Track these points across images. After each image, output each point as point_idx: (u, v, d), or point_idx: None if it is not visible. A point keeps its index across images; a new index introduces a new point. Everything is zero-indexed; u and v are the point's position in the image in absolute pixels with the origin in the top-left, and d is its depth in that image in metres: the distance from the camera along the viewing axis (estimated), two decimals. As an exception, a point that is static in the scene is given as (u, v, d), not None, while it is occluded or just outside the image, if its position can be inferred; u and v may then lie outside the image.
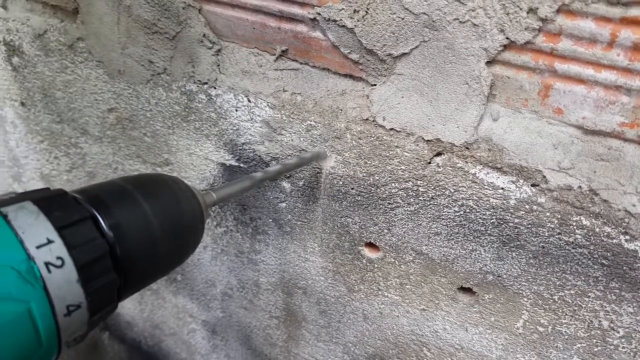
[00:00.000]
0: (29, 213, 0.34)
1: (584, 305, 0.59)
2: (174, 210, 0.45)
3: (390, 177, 0.65)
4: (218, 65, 0.71)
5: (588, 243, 0.56)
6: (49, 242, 0.33)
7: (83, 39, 0.83)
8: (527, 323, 0.65)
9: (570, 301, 0.60)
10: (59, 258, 0.33)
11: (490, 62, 0.52)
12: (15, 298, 0.31)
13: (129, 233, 0.40)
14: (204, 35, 0.69)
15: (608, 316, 0.58)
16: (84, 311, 0.35)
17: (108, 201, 0.40)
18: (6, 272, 0.31)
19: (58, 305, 0.33)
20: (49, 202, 0.36)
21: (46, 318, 0.32)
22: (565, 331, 0.62)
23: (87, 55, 0.85)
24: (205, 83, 0.74)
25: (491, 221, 0.60)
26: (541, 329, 0.64)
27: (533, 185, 0.56)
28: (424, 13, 0.52)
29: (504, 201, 0.59)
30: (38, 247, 0.33)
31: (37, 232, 0.33)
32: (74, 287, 0.34)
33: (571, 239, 0.56)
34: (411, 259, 0.70)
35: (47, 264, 0.33)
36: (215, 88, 0.73)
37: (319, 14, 0.58)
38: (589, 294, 0.58)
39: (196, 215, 0.47)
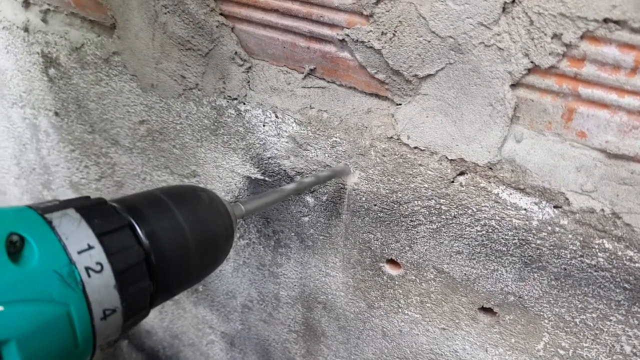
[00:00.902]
0: (72, 220, 0.36)
1: (605, 329, 0.59)
2: (206, 222, 0.46)
3: (413, 194, 0.66)
4: (248, 82, 0.73)
5: (610, 266, 0.56)
6: (90, 247, 0.35)
7: (118, 53, 0.87)
8: (547, 345, 0.65)
9: (591, 324, 0.60)
10: (98, 263, 0.35)
11: (514, 85, 0.53)
12: (57, 300, 0.32)
13: (164, 242, 0.41)
14: (236, 53, 0.71)
15: (630, 341, 0.58)
16: (119, 316, 0.37)
17: (145, 211, 0.41)
18: (50, 276, 0.32)
19: (95, 309, 0.34)
20: (90, 210, 0.38)
21: (84, 321, 0.34)
22: (586, 355, 0.62)
23: (121, 69, 0.88)
24: (235, 99, 0.76)
25: (513, 242, 0.61)
26: (562, 352, 0.64)
27: (556, 207, 0.57)
28: (450, 36, 0.54)
29: (527, 222, 0.59)
30: (79, 253, 0.34)
31: (79, 238, 0.35)
32: (110, 292, 0.36)
33: (593, 262, 0.57)
34: (432, 277, 0.70)
35: (87, 269, 0.34)
36: (244, 104, 0.75)
37: (347, 35, 0.60)
38: (611, 318, 0.58)
39: (226, 227, 0.49)
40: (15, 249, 0.32)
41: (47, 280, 0.32)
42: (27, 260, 0.32)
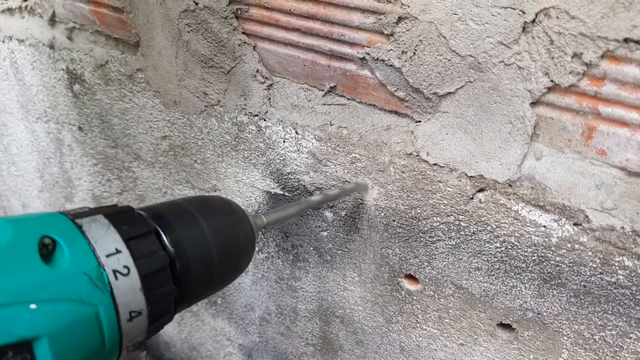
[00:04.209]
0: (101, 225, 0.37)
1: (625, 347, 0.59)
2: (229, 231, 0.47)
3: (432, 210, 0.67)
4: (269, 99, 0.75)
5: (630, 284, 0.56)
6: (117, 252, 0.37)
7: (142, 70, 0.89)
8: (567, 362, 0.64)
9: (611, 342, 0.60)
10: (125, 267, 0.36)
11: (534, 103, 0.54)
12: (86, 301, 0.34)
13: (188, 249, 0.43)
14: (257, 70, 0.73)
15: (651, 359, 0.58)
16: (144, 318, 0.38)
17: (170, 219, 0.43)
18: (80, 277, 0.34)
19: (122, 311, 0.36)
20: (118, 216, 0.39)
21: (111, 321, 0.35)
22: (606, 372, 0.62)
23: (145, 85, 0.90)
24: (256, 115, 0.77)
25: (532, 258, 0.61)
26: (581, 369, 0.63)
27: (575, 224, 0.57)
28: (470, 55, 0.55)
29: (546, 239, 0.59)
30: (108, 256, 0.36)
31: (107, 242, 0.37)
32: (137, 295, 0.37)
33: (613, 279, 0.57)
34: (451, 292, 0.71)
35: (114, 272, 0.36)
36: (265, 120, 0.77)
37: (368, 53, 0.61)
38: (631, 335, 0.58)
39: (248, 237, 0.50)
40: (48, 251, 0.34)
41: (77, 281, 0.34)
42: (58, 262, 0.34)
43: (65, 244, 0.34)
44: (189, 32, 0.76)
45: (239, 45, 0.72)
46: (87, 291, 0.34)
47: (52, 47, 1.04)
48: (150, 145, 0.97)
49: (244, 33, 0.72)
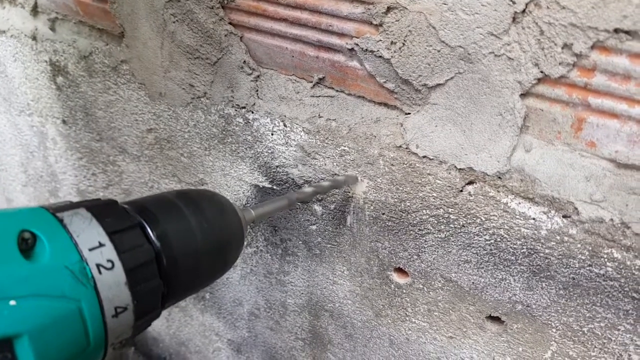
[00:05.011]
0: (83, 218, 0.36)
1: (613, 339, 0.59)
2: (217, 225, 0.47)
3: (421, 203, 0.66)
4: (256, 91, 0.74)
5: (619, 276, 0.56)
6: (101, 245, 0.36)
7: (127, 62, 0.87)
8: (555, 355, 0.64)
9: (599, 334, 0.60)
10: (109, 261, 0.36)
11: (524, 95, 0.54)
12: (68, 296, 0.33)
13: (175, 243, 0.42)
14: (244, 61, 0.72)
15: (638, 350, 0.58)
16: (130, 314, 0.37)
17: (155, 212, 0.42)
18: (61, 272, 0.33)
19: (107, 306, 0.35)
20: (101, 209, 0.38)
21: (95, 317, 0.34)
22: (595, 364, 0.62)
23: (129, 77, 0.89)
24: (244, 107, 0.76)
25: (522, 251, 0.61)
26: (570, 361, 0.64)
27: (564, 216, 0.57)
28: (460, 46, 0.54)
29: (535, 231, 0.59)
30: (90, 250, 0.35)
31: (90, 235, 0.36)
32: (122, 289, 0.36)
33: (602, 271, 0.57)
34: (440, 285, 0.70)
35: (98, 266, 0.35)
36: (252, 112, 0.76)
37: (356, 44, 0.61)
38: (619, 327, 0.58)
39: (237, 230, 0.49)
40: (27, 245, 0.33)
41: (58, 276, 0.33)
42: (38, 257, 0.33)
43: (46, 238, 0.33)
44: (174, 22, 0.75)
45: (225, 35, 0.71)
46: (70, 286, 0.33)
47: (34, 38, 1.02)
48: (136, 139, 0.96)
49: (230, 23, 0.70)
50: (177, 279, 0.42)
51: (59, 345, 0.32)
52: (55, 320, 0.32)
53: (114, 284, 0.36)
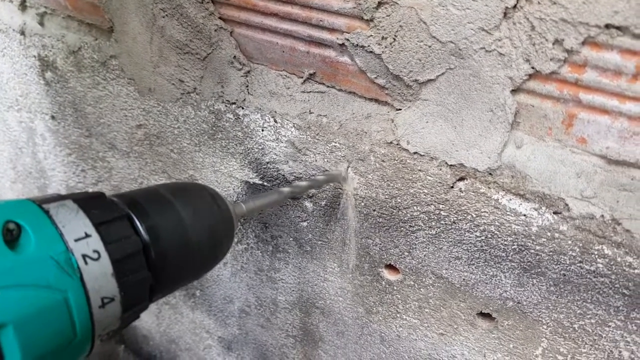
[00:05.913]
0: (69, 210, 0.36)
1: (604, 335, 0.59)
2: (207, 218, 0.46)
3: (412, 200, 0.66)
4: (247, 86, 0.73)
5: (610, 272, 0.56)
6: (87, 236, 0.36)
7: (116, 57, 0.86)
8: (546, 351, 0.64)
9: (590, 330, 0.60)
10: (95, 251, 0.35)
11: (515, 91, 0.53)
12: (54, 287, 0.33)
13: (164, 236, 0.42)
14: (235, 57, 0.71)
15: (629, 347, 0.58)
16: (117, 305, 0.37)
17: (144, 204, 0.42)
18: (47, 262, 0.33)
19: (93, 297, 0.35)
20: (87, 201, 0.38)
21: (81, 308, 0.34)
22: (585, 361, 0.62)
23: (119, 72, 0.88)
24: (234, 103, 0.76)
25: (512, 247, 0.61)
26: (560, 358, 0.64)
27: (555, 212, 0.57)
28: (451, 41, 0.54)
29: (526, 228, 0.59)
30: (76, 240, 0.35)
31: (76, 226, 0.36)
32: (108, 280, 0.36)
33: (592, 268, 0.57)
34: (431, 282, 0.70)
35: (84, 256, 0.35)
36: (243, 108, 0.75)
37: (347, 39, 0.60)
38: (610, 324, 0.58)
39: (227, 224, 0.49)
40: (12, 236, 0.33)
41: (43, 266, 0.33)
42: (24, 248, 0.33)
43: (31, 229, 0.33)
44: (163, 17, 0.74)
45: (215, 30, 0.71)
46: (55, 276, 0.33)
47: (22, 33, 1.00)
48: (125, 135, 0.95)
49: (220, 18, 0.70)
50: (166, 271, 0.42)
51: (45, 336, 0.32)
52: (41, 311, 0.32)
53: (100, 275, 0.35)
